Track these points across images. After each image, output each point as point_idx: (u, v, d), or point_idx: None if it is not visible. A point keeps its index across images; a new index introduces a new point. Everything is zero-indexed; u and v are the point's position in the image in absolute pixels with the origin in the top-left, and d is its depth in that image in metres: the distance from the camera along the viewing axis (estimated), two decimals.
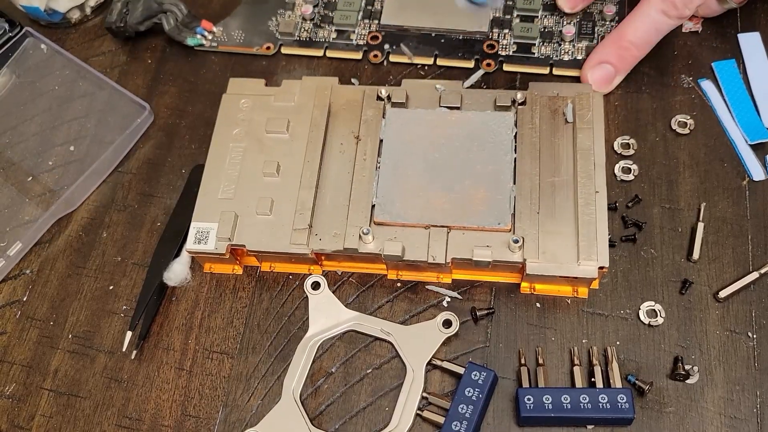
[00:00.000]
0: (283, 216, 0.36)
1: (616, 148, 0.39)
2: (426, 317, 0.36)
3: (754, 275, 0.35)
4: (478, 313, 0.36)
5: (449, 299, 0.37)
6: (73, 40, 0.47)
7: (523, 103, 0.38)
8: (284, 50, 0.44)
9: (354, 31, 0.44)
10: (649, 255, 0.37)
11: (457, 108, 0.39)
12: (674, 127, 0.40)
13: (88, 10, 0.47)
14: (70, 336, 0.38)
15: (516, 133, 0.37)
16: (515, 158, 0.37)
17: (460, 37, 0.43)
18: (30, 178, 0.42)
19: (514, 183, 0.36)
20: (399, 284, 0.37)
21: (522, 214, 0.35)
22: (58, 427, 0.36)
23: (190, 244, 0.36)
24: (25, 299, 0.39)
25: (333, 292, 0.37)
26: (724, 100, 0.40)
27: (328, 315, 0.36)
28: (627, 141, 0.40)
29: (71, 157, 0.42)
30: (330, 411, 0.35)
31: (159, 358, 0.37)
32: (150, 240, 0.40)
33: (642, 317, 0.35)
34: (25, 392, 0.37)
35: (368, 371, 0.35)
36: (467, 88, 0.41)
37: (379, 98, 0.39)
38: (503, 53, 0.43)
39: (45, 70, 0.45)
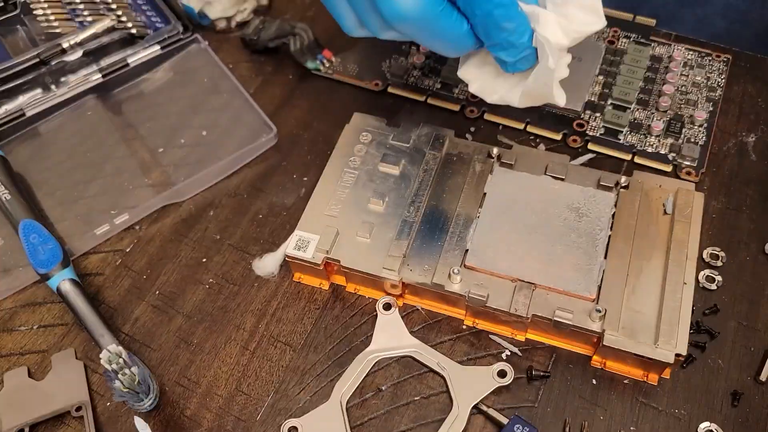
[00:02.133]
0: (380, 242, 0.39)
1: (704, 256, 0.40)
2: (482, 363, 0.37)
3: None
4: (533, 373, 0.37)
5: (509, 353, 0.38)
6: (217, 43, 0.52)
7: (626, 187, 0.40)
8: (390, 89, 0.48)
9: (457, 86, 0.48)
10: (716, 365, 0.37)
11: (562, 179, 0.41)
12: (767, 251, 0.40)
13: (233, 23, 0.52)
14: (157, 292, 0.41)
15: (615, 213, 0.39)
16: (610, 235, 0.38)
17: (554, 111, 0.46)
18: (154, 161, 0.46)
19: (605, 258, 0.38)
20: (464, 327, 0.39)
21: (608, 287, 0.37)
22: None
23: (290, 249, 0.39)
24: (128, 250, 0.43)
25: (403, 318, 0.39)
26: None
27: (391, 336, 0.38)
28: (717, 252, 0.40)
29: (202, 140, 0.47)
30: (371, 425, 0.36)
31: (228, 334, 0.39)
32: (249, 228, 0.43)
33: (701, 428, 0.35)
34: None
35: (416, 398, 0.37)
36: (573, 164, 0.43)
37: (489, 156, 0.42)
38: (591, 133, 0.45)
39: (199, 70, 0.50)
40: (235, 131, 0.47)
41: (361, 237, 0.39)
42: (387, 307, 0.39)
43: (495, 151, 0.42)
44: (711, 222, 0.41)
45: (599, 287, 0.37)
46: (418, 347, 0.38)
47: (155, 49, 0.50)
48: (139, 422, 0.37)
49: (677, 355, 0.34)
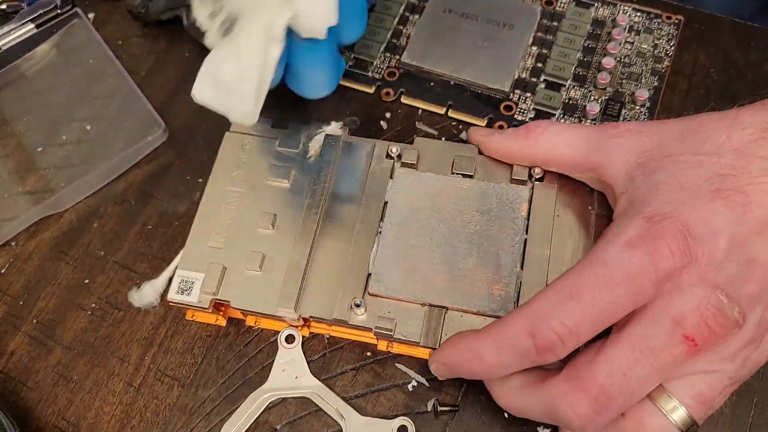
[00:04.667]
0: (273, 274, 0.34)
1: None
2: (387, 396, 0.34)
3: None
4: (439, 408, 0.33)
5: (416, 383, 0.34)
6: (106, 14, 0.46)
7: (540, 179, 0.35)
8: None
9: (373, 63, 0.42)
10: None
11: (470, 176, 0.36)
12: None
13: None
14: (35, 320, 0.37)
15: (530, 212, 0.35)
16: (526, 239, 0.34)
17: (478, 92, 0.40)
18: (32, 164, 0.41)
19: (521, 268, 0.34)
20: (369, 354, 0.35)
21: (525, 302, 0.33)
22: None
23: (173, 294, 0.35)
24: (2, 272, 0.39)
25: (302, 344, 0.35)
26: None
27: (289, 374, 0.35)
28: None
29: (85, 136, 0.41)
30: None
31: (111, 368, 0.36)
32: (136, 241, 0.39)
33: None
34: None
35: None
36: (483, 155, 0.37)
37: (388, 156, 0.37)
38: (519, 117, 0.40)
39: (82, 50, 0.44)
40: (121, 126, 0.42)
41: (250, 270, 0.35)
42: (290, 339, 0.35)
43: (394, 150, 0.37)
44: None
45: (515, 304, 0.33)
46: (317, 389, 0.34)
47: (29, 28, 0.44)
48: None
49: None
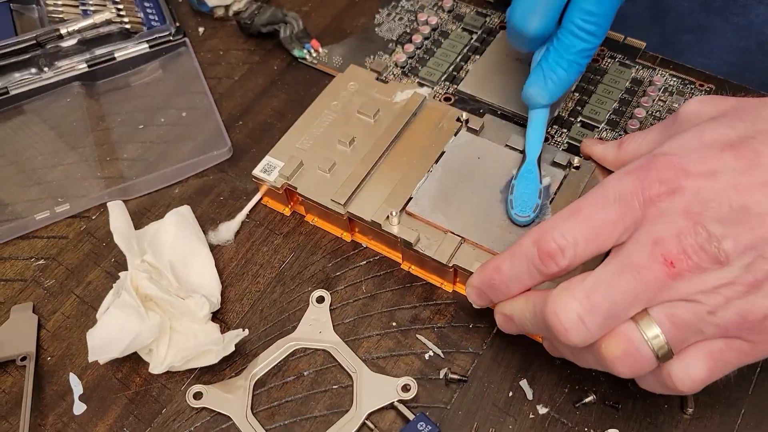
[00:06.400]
0: (336, 178, 0.42)
1: None
2: (405, 361, 0.38)
3: None
4: (450, 376, 0.37)
5: (432, 353, 0.38)
6: (213, 30, 0.54)
7: (577, 168, 0.41)
8: None
9: (432, 88, 0.48)
10: None
11: (520, 152, 0.42)
12: None
13: (230, 12, 0.54)
14: (113, 260, 0.43)
15: (558, 189, 0.41)
16: (549, 208, 0.40)
17: (521, 122, 0.46)
18: (113, 155, 0.47)
19: None
20: (394, 324, 0.39)
21: None
22: (68, 328, 0.41)
23: (257, 171, 0.43)
24: (93, 218, 0.45)
25: (336, 309, 0.40)
26: None
27: (315, 329, 0.39)
28: None
29: (161, 139, 0.48)
30: (286, 407, 0.37)
31: None
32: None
33: None
34: (59, 290, 0.42)
35: (334, 386, 0.38)
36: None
37: (458, 119, 0.44)
38: (553, 148, 0.45)
39: (181, 72, 0.52)
40: (193, 137, 0.48)
41: (321, 171, 0.42)
42: (320, 300, 0.40)
43: (464, 115, 0.44)
44: None
45: None
46: (336, 344, 0.39)
47: (143, 47, 0.52)
48: (73, 378, 0.39)
49: None
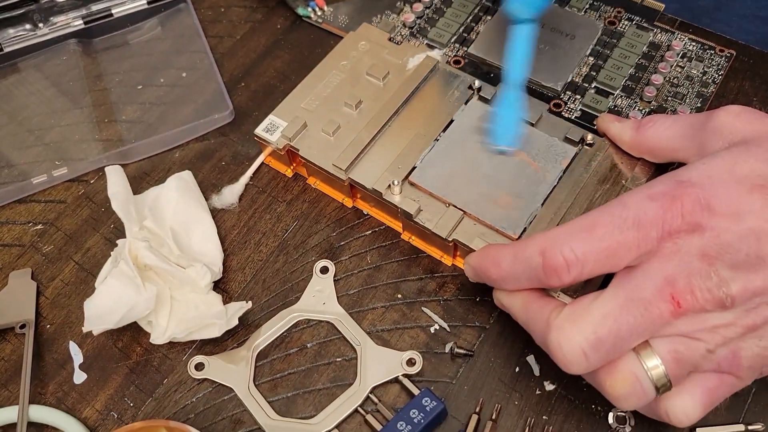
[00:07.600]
0: (340, 142, 0.41)
1: None
2: (410, 334, 0.37)
3: None
4: (456, 351, 0.37)
5: (438, 327, 0.38)
6: None
7: (590, 145, 0.40)
8: None
9: (442, 51, 0.47)
10: None
11: (532, 124, 0.41)
12: None
13: None
14: (112, 226, 0.42)
15: (568, 167, 0.39)
16: (554, 187, 0.38)
17: (533, 87, 0.44)
18: (112, 117, 0.46)
19: (542, 206, 0.38)
20: (399, 296, 0.39)
21: (533, 232, 0.37)
22: (68, 295, 0.40)
23: (260, 131, 0.41)
24: (92, 182, 0.44)
25: (340, 280, 0.39)
26: None
27: (318, 300, 0.38)
28: None
29: (160, 100, 0.46)
30: (289, 379, 0.37)
31: None
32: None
33: (610, 420, 0.35)
34: (58, 256, 0.41)
35: (338, 359, 0.37)
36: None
37: (470, 87, 0.42)
38: (566, 115, 0.43)
39: (179, 30, 0.50)
40: (194, 99, 0.46)
41: (325, 134, 0.41)
42: (324, 270, 0.39)
43: (476, 83, 0.42)
44: None
45: (524, 230, 0.37)
46: (341, 316, 0.38)
47: (141, 3, 0.50)
48: (73, 347, 0.38)
49: None
